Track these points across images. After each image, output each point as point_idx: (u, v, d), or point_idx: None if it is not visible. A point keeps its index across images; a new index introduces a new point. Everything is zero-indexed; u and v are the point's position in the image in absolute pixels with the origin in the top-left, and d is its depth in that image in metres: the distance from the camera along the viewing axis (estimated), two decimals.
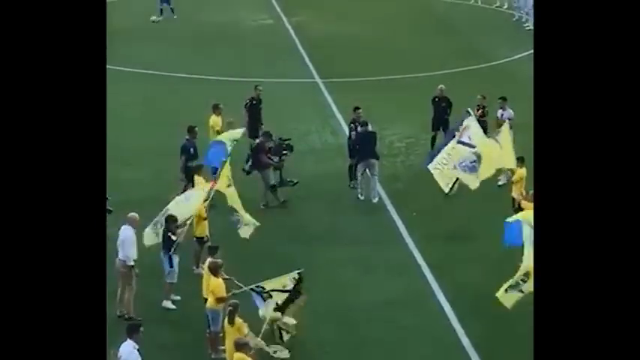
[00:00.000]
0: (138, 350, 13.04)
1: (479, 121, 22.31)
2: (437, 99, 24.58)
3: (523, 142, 20.55)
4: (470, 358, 15.51)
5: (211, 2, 45.19)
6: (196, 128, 21.25)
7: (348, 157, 22.70)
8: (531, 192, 18.21)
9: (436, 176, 20.42)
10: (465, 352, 15.65)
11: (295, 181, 21.90)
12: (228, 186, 18.24)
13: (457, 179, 20.35)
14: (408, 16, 42.39)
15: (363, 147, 21.94)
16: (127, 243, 16.27)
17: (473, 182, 20.09)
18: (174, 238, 16.66)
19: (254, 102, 24.16)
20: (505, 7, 42.87)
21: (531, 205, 17.92)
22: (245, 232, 18.07)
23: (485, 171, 20.08)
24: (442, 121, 24.36)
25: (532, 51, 35.44)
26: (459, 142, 20.34)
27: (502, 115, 22.94)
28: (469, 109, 20.99)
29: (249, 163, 21.28)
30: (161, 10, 40.82)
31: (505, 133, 20.33)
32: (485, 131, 23.08)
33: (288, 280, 15.58)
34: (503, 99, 23.26)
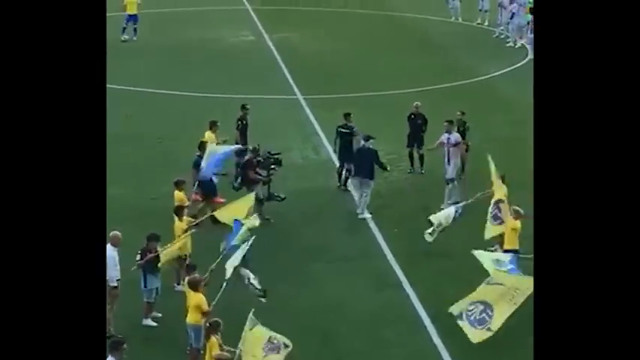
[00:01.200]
0: None
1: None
2: (413, 116, 24.82)
3: (503, 154, 20.79)
4: None
5: (193, 19, 45.25)
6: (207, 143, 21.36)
7: (337, 161, 23.31)
8: (513, 208, 18.29)
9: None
10: None
11: (283, 197, 21.89)
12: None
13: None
14: (389, 34, 42.55)
15: (360, 163, 22.04)
16: (109, 263, 15.89)
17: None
18: (137, 257, 16.58)
19: (244, 122, 24.21)
20: (486, 24, 43.10)
21: (514, 222, 18.00)
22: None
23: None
24: (417, 137, 24.56)
25: (512, 67, 35.76)
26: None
27: (448, 139, 22.40)
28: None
29: (239, 179, 21.25)
30: (124, 28, 39.48)
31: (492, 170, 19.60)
32: (467, 149, 23.21)
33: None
34: (450, 122, 22.79)
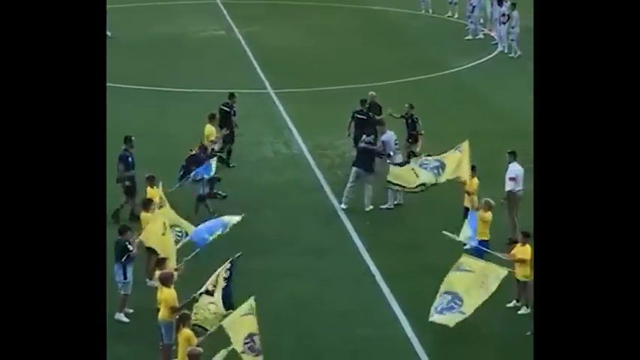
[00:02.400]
0: None
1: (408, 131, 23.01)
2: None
3: (471, 147, 20.71)
4: None
5: (162, 14, 44.99)
6: (133, 137, 21.17)
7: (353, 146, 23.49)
8: (484, 200, 18.37)
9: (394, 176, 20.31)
10: None
11: (224, 195, 21.83)
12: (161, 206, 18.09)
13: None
14: (360, 27, 42.53)
15: (362, 156, 22.01)
16: None
17: (430, 180, 20.04)
18: (130, 247, 16.65)
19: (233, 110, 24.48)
20: (456, 16, 43.17)
21: (485, 214, 18.08)
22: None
23: (446, 176, 20.05)
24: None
25: (481, 60, 35.85)
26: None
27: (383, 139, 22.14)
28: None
29: (181, 173, 21.08)
30: None
31: (465, 147, 19.96)
32: (415, 140, 23.13)
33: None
34: (381, 123, 22.78)
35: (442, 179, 19.88)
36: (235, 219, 17.38)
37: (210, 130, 22.56)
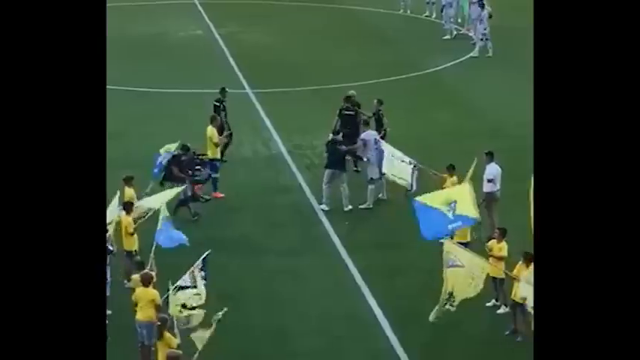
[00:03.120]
0: None
1: (377, 127, 23.19)
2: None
3: (449, 148, 20.83)
4: None
5: (140, 14, 44.82)
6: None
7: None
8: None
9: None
10: None
11: (208, 198, 21.72)
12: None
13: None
14: (339, 27, 42.47)
15: (335, 156, 22.03)
16: None
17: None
18: (111, 248, 16.59)
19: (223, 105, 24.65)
20: (434, 16, 43.20)
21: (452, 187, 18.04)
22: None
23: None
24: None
25: (459, 60, 35.91)
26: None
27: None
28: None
29: (163, 174, 21.02)
30: None
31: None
32: (384, 137, 22.97)
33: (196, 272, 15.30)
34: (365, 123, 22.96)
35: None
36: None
37: (212, 132, 22.51)
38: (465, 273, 15.55)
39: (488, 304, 17.12)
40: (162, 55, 36.70)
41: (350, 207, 21.70)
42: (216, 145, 22.38)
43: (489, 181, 19.82)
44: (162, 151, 21.07)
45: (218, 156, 22.58)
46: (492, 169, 19.91)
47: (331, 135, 22.46)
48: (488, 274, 16.08)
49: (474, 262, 15.69)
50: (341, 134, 22.46)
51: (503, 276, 16.34)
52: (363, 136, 22.14)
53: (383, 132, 23.21)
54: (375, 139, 22.07)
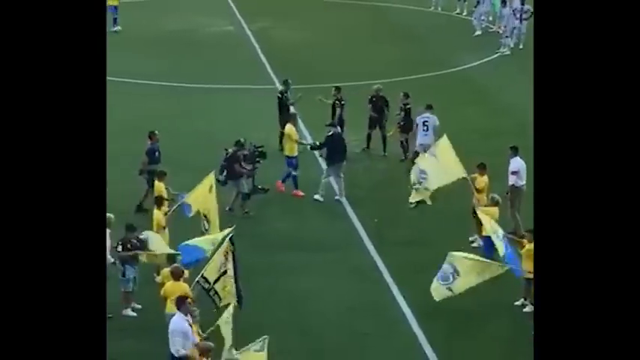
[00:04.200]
0: None
1: (404, 119, 24.20)
2: (374, 99, 25.35)
3: (479, 146, 20.82)
4: None
5: (171, 9, 45.01)
6: (157, 132, 21.36)
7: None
8: (491, 195, 18.38)
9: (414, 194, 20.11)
10: (427, 359, 15.73)
11: (266, 189, 21.85)
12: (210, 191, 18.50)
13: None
14: (369, 24, 42.48)
15: (339, 149, 22.24)
16: None
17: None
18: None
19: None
20: (465, 13, 43.11)
21: (491, 210, 18.09)
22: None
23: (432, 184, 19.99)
24: (379, 120, 25.22)
25: (491, 57, 35.83)
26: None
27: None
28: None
29: (224, 173, 21.09)
30: (115, 19, 39.20)
31: (443, 146, 19.77)
32: (410, 129, 24.03)
33: (222, 256, 15.61)
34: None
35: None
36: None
37: (291, 129, 22.89)
38: (474, 264, 16.18)
39: (516, 303, 17.12)
40: (193, 51, 36.84)
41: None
42: (296, 142, 22.70)
43: (513, 173, 19.96)
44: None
45: (295, 153, 22.80)
46: (516, 163, 20.08)
47: (333, 129, 22.61)
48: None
49: (490, 266, 15.93)
50: (338, 127, 22.79)
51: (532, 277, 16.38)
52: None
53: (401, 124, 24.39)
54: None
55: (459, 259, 16.28)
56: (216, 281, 15.51)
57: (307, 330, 16.66)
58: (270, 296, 17.56)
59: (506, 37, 36.46)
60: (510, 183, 19.97)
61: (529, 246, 16.56)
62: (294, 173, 22.65)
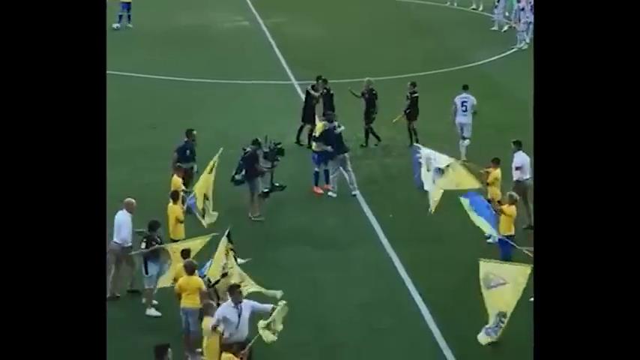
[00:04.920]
0: None
1: (411, 107, 24.94)
2: (365, 93, 25.67)
3: (495, 141, 20.74)
4: (446, 359, 15.53)
5: (186, 4, 45.07)
6: (194, 131, 21.22)
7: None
8: (508, 193, 18.26)
9: (431, 195, 19.76)
10: (442, 354, 15.66)
11: (284, 186, 21.63)
12: (210, 172, 18.80)
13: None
14: (384, 19, 42.45)
15: (339, 143, 22.18)
16: (124, 227, 17.09)
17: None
18: (154, 243, 16.72)
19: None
20: (480, 9, 43.02)
21: (509, 208, 17.96)
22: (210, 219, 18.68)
23: (444, 185, 19.91)
24: (368, 114, 25.58)
25: (507, 52, 35.72)
26: None
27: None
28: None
29: (242, 172, 20.75)
30: (120, 16, 39.16)
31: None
32: (416, 116, 25.00)
33: (223, 255, 15.64)
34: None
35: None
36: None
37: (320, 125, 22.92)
38: (510, 289, 15.48)
39: (531, 299, 16.99)
40: (208, 46, 36.87)
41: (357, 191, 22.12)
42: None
43: (517, 168, 20.01)
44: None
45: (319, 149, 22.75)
46: (520, 157, 20.10)
47: (335, 124, 22.54)
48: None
49: (517, 272, 15.64)
50: (336, 122, 22.61)
51: None
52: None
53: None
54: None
55: (494, 298, 15.62)
56: (217, 282, 15.50)
57: (322, 325, 16.62)
58: (285, 291, 17.51)
59: (522, 32, 36.36)
60: (515, 178, 19.90)
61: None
62: (316, 169, 22.60)
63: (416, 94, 25.22)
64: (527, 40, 36.17)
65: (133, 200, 17.41)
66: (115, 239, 17.11)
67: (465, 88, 24.87)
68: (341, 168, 22.22)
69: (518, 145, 20.27)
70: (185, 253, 16.04)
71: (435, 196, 19.41)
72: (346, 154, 22.33)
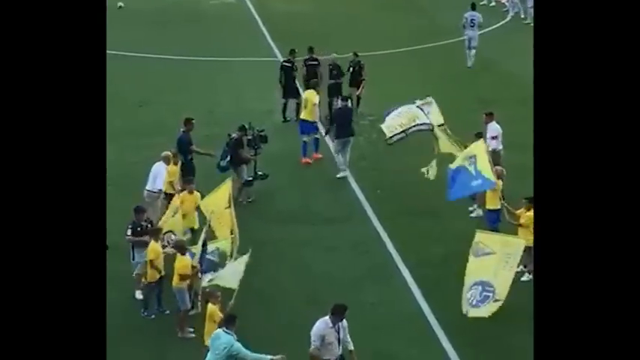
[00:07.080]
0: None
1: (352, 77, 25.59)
2: (332, 68, 25.94)
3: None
4: (436, 334, 15.55)
5: None
6: (193, 120, 20.53)
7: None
8: (495, 168, 18.20)
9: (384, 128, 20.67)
10: (431, 329, 15.69)
11: (267, 174, 21.42)
12: (227, 207, 17.47)
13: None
14: None
15: (343, 123, 22.04)
16: (159, 176, 18.38)
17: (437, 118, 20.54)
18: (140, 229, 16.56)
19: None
20: None
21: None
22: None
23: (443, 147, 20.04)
24: (336, 87, 25.65)
25: (495, 26, 35.63)
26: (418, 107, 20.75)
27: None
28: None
29: (227, 159, 20.45)
30: None
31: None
32: (359, 84, 25.56)
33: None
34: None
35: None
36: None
37: (311, 94, 22.97)
38: (496, 259, 15.49)
39: (523, 279, 16.96)
40: (193, 24, 36.70)
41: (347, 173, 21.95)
42: (314, 105, 22.73)
43: (493, 138, 20.32)
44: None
45: (316, 119, 22.90)
46: (494, 127, 20.56)
47: (341, 102, 22.54)
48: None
49: (508, 243, 15.66)
50: (349, 101, 22.69)
51: (531, 245, 16.23)
52: None
53: (358, 81, 25.77)
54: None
55: (479, 267, 15.55)
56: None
57: (314, 299, 16.60)
58: (277, 267, 17.54)
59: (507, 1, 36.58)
60: (491, 148, 19.83)
61: (529, 213, 16.44)
62: (316, 136, 22.63)
63: (362, 63, 25.95)
64: (512, 14, 36.17)
65: (169, 153, 18.59)
66: (147, 187, 18.32)
67: (473, 7, 30.42)
68: (340, 152, 22.03)
69: (491, 116, 20.76)
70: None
71: (389, 128, 20.16)
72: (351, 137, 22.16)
